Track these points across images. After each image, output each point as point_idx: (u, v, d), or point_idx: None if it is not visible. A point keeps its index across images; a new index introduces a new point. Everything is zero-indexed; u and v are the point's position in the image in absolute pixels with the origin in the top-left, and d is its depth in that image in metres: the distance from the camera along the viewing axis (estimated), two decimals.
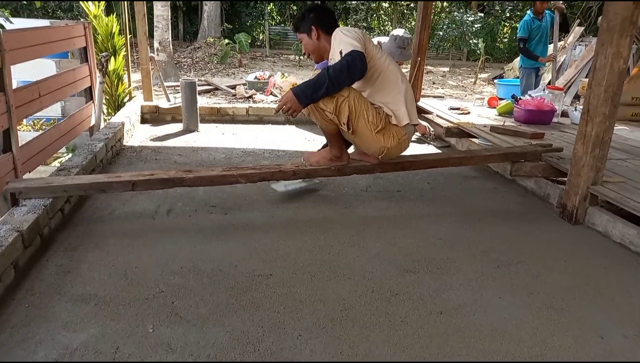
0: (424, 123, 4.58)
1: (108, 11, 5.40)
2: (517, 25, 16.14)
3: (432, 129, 4.55)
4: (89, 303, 1.79)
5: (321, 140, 4.38)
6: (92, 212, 2.59)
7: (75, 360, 1.50)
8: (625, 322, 1.85)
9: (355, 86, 2.50)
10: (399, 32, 4.48)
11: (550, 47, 5.57)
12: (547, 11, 5.18)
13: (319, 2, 14.25)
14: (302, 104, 2.33)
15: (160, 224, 2.51)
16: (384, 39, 4.53)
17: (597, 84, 2.53)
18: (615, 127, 2.95)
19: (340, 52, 2.32)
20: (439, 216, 2.80)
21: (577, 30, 9.54)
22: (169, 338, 1.62)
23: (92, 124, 4.07)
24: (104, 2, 5.09)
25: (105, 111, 4.98)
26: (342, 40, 2.36)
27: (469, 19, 14.08)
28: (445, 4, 16.38)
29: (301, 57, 13.14)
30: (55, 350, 1.54)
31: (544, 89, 4.55)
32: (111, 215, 2.57)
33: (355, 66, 2.27)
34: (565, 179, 2.82)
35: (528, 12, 5.21)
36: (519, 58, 5.67)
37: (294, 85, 7.55)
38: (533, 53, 5.13)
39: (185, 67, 11.44)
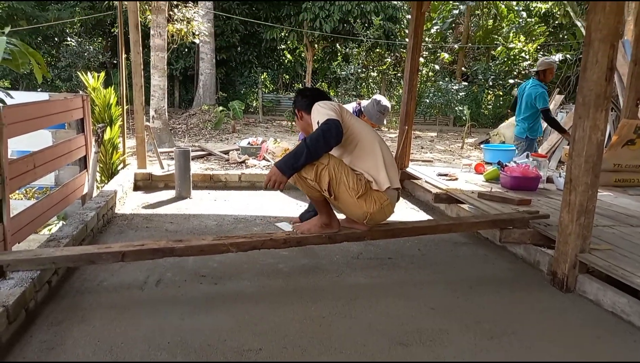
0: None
1: (106, 80, 5.60)
2: (500, 93, 16.80)
3: None
4: None
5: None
6: (80, 283, 2.56)
7: None
8: None
9: (335, 154, 2.61)
10: (381, 98, 4.70)
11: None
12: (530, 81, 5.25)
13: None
14: (285, 175, 2.45)
15: (149, 295, 2.47)
16: (364, 102, 4.74)
17: (578, 155, 2.63)
18: (600, 193, 3.04)
19: (318, 123, 2.48)
20: (431, 284, 2.79)
21: (557, 98, 9.98)
22: None
23: (84, 192, 4.10)
24: (103, 75, 5.29)
25: (98, 178, 5.02)
26: (319, 112, 2.53)
27: (454, 87, 14.70)
28: (431, 73, 17.13)
29: (293, 122, 13.48)
30: None
31: (527, 156, 4.69)
32: (99, 286, 2.54)
33: (331, 133, 2.42)
34: (554, 245, 2.85)
35: (536, 82, 5.11)
36: (514, 127, 5.69)
37: (287, 150, 7.72)
38: (561, 125, 5.19)
39: (180, 133, 11.68)
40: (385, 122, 4.82)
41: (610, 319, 2.42)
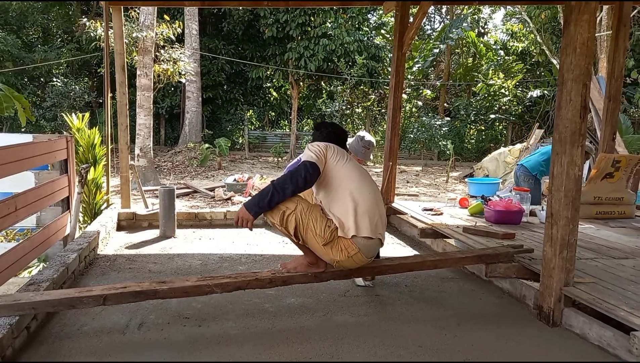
0: None
1: (92, 120, 5.61)
2: (482, 127, 17.15)
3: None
4: None
5: None
6: (59, 328, 2.49)
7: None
8: None
9: (319, 196, 2.62)
10: (364, 133, 4.79)
11: None
12: None
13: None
14: (251, 214, 2.48)
15: (131, 339, 2.41)
16: (349, 139, 4.81)
17: (557, 190, 2.69)
18: (581, 226, 3.08)
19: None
20: (419, 321, 2.77)
21: (537, 132, 10.23)
22: None
23: (66, 233, 4.03)
24: (87, 115, 5.31)
25: (81, 219, 4.96)
26: (305, 154, 2.60)
27: (437, 122, 15.01)
28: (414, 109, 17.51)
29: (279, 158, 13.58)
30: None
31: (510, 191, 4.76)
32: (79, 331, 2.47)
33: (300, 174, 2.46)
34: (539, 278, 2.86)
35: None
36: (496, 161, 5.81)
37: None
38: None
39: (165, 170, 11.66)
40: (371, 157, 4.90)
41: (597, 353, 2.42)
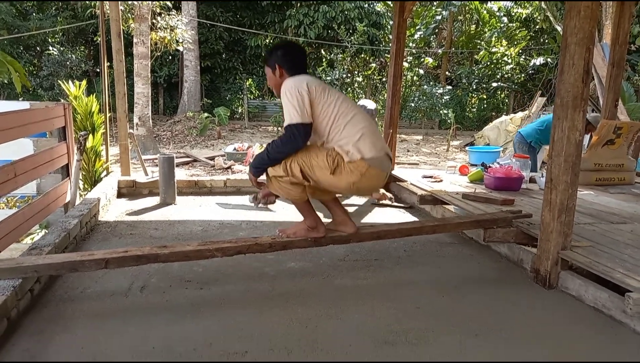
0: (381, 191, 4.73)
1: (89, 88, 5.56)
2: (484, 96, 16.99)
3: (389, 195, 4.71)
4: None
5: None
6: (62, 291, 2.53)
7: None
8: None
9: (313, 137, 2.55)
10: (366, 102, 4.75)
11: None
12: None
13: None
14: (254, 174, 2.54)
15: (133, 302, 2.45)
16: None
17: (557, 155, 2.68)
18: (581, 192, 3.09)
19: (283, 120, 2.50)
20: (417, 284, 2.80)
21: (539, 100, 10.14)
22: None
23: (67, 200, 4.05)
24: (84, 83, 5.25)
25: (81, 186, 4.97)
26: (285, 106, 2.45)
27: (438, 91, 14.85)
28: (415, 78, 17.29)
29: (279, 128, 13.51)
30: None
31: (510, 158, 4.75)
32: (82, 294, 2.51)
33: (293, 142, 2.45)
34: (537, 244, 2.89)
35: None
36: (498, 130, 5.82)
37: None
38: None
39: (165, 140, 11.62)
40: (377, 123, 4.88)
41: (592, 314, 2.46)
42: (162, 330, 2.17)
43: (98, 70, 15.91)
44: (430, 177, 4.91)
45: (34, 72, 15.51)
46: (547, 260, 2.76)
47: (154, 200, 4.62)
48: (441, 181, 4.80)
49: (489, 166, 4.63)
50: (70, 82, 5.26)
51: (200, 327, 2.20)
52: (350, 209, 4.54)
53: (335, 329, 2.23)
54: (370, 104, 4.75)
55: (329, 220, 2.91)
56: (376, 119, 4.82)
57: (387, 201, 4.85)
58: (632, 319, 2.26)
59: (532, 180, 4.66)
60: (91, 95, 5.24)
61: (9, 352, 1.93)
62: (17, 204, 4.61)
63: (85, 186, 5.03)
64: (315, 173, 2.51)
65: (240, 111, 16.67)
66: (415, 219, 4.32)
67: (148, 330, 2.15)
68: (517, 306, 2.55)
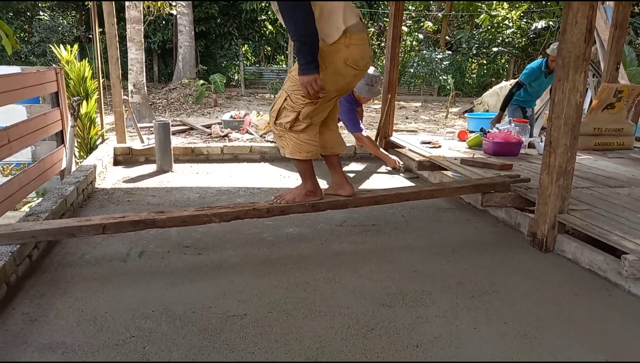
0: (393, 157, 4.69)
1: (82, 55, 5.44)
2: (484, 61, 16.75)
3: (401, 163, 4.66)
4: (56, 352, 1.73)
5: (297, 176, 4.41)
6: (61, 257, 2.53)
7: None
8: (596, 347, 1.87)
9: None
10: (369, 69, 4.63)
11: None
12: None
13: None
14: (314, 72, 2.30)
15: (132, 267, 2.46)
16: None
17: (557, 117, 2.65)
18: (580, 156, 3.08)
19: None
20: (414, 249, 2.82)
21: None
22: None
23: (63, 167, 4.02)
24: (76, 47, 5.13)
25: (77, 154, 4.93)
26: None
27: (438, 56, 14.63)
28: (415, 43, 16.99)
29: (276, 95, 13.35)
30: None
31: (510, 122, 4.71)
32: (81, 259, 2.51)
33: (300, 9, 2.23)
34: (534, 208, 2.89)
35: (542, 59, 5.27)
36: (497, 96, 5.80)
37: (269, 123, 7.64)
38: (506, 104, 5.33)
39: (160, 108, 11.49)
40: (380, 90, 4.76)
41: (587, 276, 2.49)
42: (161, 293, 2.18)
43: (90, 36, 15.58)
44: (429, 143, 4.88)
45: (25, 38, 15.17)
46: (544, 223, 2.76)
47: (151, 167, 4.59)
48: (440, 146, 4.78)
49: (488, 132, 4.59)
50: (61, 47, 5.14)
51: (199, 291, 2.22)
52: (351, 175, 4.53)
53: (333, 292, 2.25)
54: (372, 70, 4.65)
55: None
56: (379, 87, 4.70)
57: (398, 167, 4.79)
58: (627, 281, 2.29)
59: (530, 145, 4.64)
60: (83, 59, 5.13)
61: (10, 316, 1.95)
62: (13, 172, 4.58)
63: (81, 153, 4.99)
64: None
65: (236, 78, 16.43)
66: (412, 184, 4.32)
67: (147, 294, 2.17)
68: (513, 269, 2.57)
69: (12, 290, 2.14)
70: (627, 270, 2.21)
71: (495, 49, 15.86)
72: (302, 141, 2.55)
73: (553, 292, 2.31)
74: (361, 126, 4.60)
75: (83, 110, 4.75)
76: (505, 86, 10.59)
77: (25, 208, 4.07)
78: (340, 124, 4.95)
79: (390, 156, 4.76)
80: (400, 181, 4.47)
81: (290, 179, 4.32)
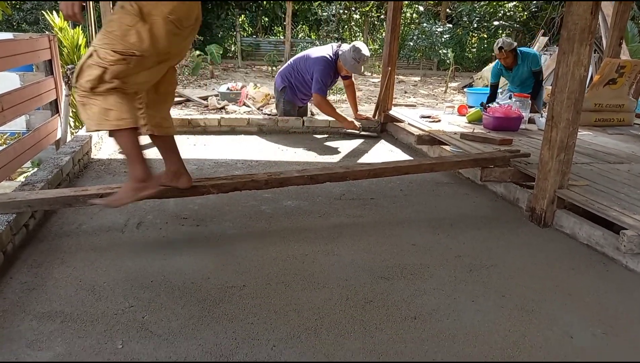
0: (351, 119, 4.80)
1: (75, 22, 5.31)
2: (484, 35, 16.49)
3: (359, 124, 4.81)
4: (55, 321, 1.73)
5: (295, 149, 4.38)
6: (58, 227, 2.51)
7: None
8: (594, 320, 1.89)
9: None
10: (361, 45, 4.57)
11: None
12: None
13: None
14: None
15: (130, 238, 2.45)
16: (345, 46, 4.63)
17: (560, 91, 2.61)
18: (580, 133, 3.05)
19: None
20: (413, 223, 2.82)
21: (541, 40, 9.87)
22: (138, 353, 1.58)
23: (58, 137, 3.96)
24: None
25: (72, 124, 4.86)
26: None
27: (438, 29, 14.40)
28: (415, 15, 16.70)
29: (273, 67, 13.18)
30: None
31: (510, 97, 4.66)
32: (78, 230, 2.50)
33: None
34: (533, 183, 2.88)
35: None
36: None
37: (267, 96, 7.54)
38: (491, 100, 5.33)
39: None
40: (362, 70, 4.74)
41: (585, 251, 2.50)
42: (160, 264, 2.18)
43: (84, 4, 15.20)
44: (429, 117, 4.84)
45: (17, 5, 14.79)
46: (543, 198, 2.76)
47: (147, 139, 4.52)
48: (439, 121, 4.73)
49: (488, 106, 4.54)
50: (54, 14, 5.01)
51: (198, 262, 2.21)
52: (345, 148, 4.50)
53: (332, 264, 2.25)
54: (365, 50, 4.57)
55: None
56: (362, 68, 4.69)
57: (355, 131, 4.87)
58: (625, 256, 2.30)
59: (531, 120, 4.60)
60: (77, 27, 5.00)
61: (8, 285, 1.94)
62: (8, 141, 4.53)
63: (76, 123, 4.92)
64: (131, 37, 1.95)
65: (233, 49, 16.16)
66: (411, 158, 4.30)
67: (145, 264, 2.16)
68: (511, 243, 2.58)
69: (9, 259, 2.13)
70: (625, 246, 2.22)
71: (496, 23, 15.62)
72: (109, 106, 1.99)
73: (551, 266, 2.33)
74: (325, 91, 4.65)
75: None
76: None
77: (21, 178, 4.03)
78: (341, 99, 4.91)
79: (348, 118, 4.81)
80: (399, 156, 4.44)
81: (287, 153, 4.29)
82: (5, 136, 4.63)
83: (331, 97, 9.34)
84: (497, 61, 5.24)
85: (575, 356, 1.67)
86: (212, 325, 1.75)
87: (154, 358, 1.56)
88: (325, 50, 4.75)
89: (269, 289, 2.01)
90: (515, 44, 5.05)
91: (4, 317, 1.73)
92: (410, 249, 2.46)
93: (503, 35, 16.27)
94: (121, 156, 3.94)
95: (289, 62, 5.01)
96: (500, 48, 4.97)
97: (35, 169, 3.97)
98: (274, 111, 5.62)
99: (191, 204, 2.89)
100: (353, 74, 4.96)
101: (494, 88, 5.33)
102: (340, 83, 5.81)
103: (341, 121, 4.74)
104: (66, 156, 3.19)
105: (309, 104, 5.41)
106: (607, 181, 2.94)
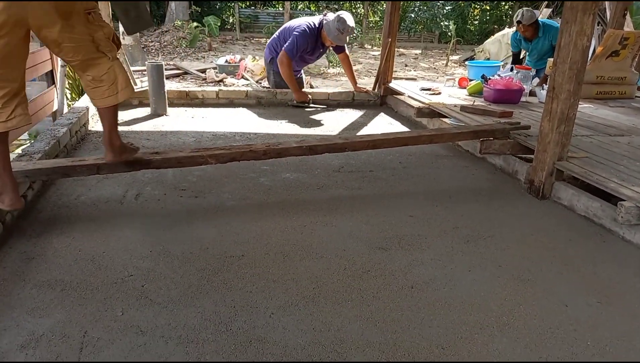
0: (304, 90, 4.86)
1: None
2: (487, 7, 16.23)
3: (310, 96, 4.83)
4: (55, 289, 1.74)
5: (294, 122, 4.35)
6: (56, 198, 2.51)
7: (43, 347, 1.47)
8: (589, 290, 1.91)
9: None
10: (346, 15, 4.49)
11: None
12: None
13: None
14: None
15: (129, 209, 2.45)
16: (330, 15, 4.56)
17: (562, 62, 2.57)
18: (580, 105, 3.03)
19: None
20: (411, 195, 2.82)
21: (545, 11, 9.70)
22: (138, 320, 1.60)
23: (54, 109, 3.92)
24: None
25: (69, 96, 4.81)
26: None
27: (440, 1, 14.13)
28: None
29: None
30: (21, 337, 1.49)
31: (512, 69, 4.61)
32: (77, 201, 2.50)
33: None
34: (532, 156, 2.87)
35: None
36: (499, 43, 5.71)
37: (265, 69, 7.46)
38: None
39: (153, 51, 11.17)
40: (347, 40, 4.68)
41: (582, 223, 2.51)
42: (159, 234, 2.19)
43: None
44: (429, 90, 4.79)
45: None
46: (542, 170, 2.75)
47: (145, 111, 4.50)
48: (440, 93, 4.69)
49: (489, 78, 4.49)
50: None
51: (196, 232, 2.22)
52: (345, 121, 4.46)
53: (330, 235, 2.26)
54: (350, 21, 4.49)
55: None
56: (346, 39, 4.63)
57: (305, 104, 4.85)
58: (622, 227, 2.31)
59: (532, 93, 4.56)
60: None
61: (8, 254, 1.95)
62: None
63: (73, 95, 4.87)
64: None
65: (231, 21, 15.88)
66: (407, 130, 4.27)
67: (144, 235, 2.17)
68: (509, 215, 2.59)
69: (8, 229, 2.13)
70: (622, 217, 2.23)
71: None
72: None
73: (548, 237, 2.34)
74: (294, 54, 4.56)
75: None
76: (508, 33, 10.30)
77: (18, 151, 4.01)
78: (337, 71, 4.85)
79: (300, 89, 4.80)
80: (399, 129, 4.42)
81: (287, 125, 4.26)
82: None
83: (332, 70, 9.24)
84: (515, 32, 5.18)
85: (570, 324, 1.69)
86: (211, 294, 1.77)
87: (154, 325, 1.58)
88: (310, 19, 4.68)
89: (267, 259, 2.03)
90: (538, 16, 4.97)
91: (4, 285, 1.75)
92: (408, 220, 2.46)
93: (506, 6, 15.99)
94: (119, 128, 3.91)
95: (276, 33, 4.93)
96: (519, 22, 4.89)
97: (33, 141, 3.94)
98: None
99: (189, 176, 2.89)
100: (346, 48, 4.91)
101: (516, 56, 5.29)
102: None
103: (293, 88, 4.72)
104: (63, 128, 3.17)
105: (303, 77, 5.34)
106: (607, 153, 2.93)
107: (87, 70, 2.00)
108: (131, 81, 2.13)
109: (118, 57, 2.10)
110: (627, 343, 1.61)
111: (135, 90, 4.70)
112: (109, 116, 2.16)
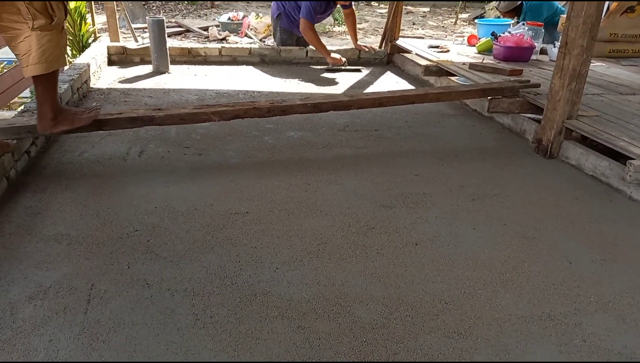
0: (336, 55, 4.56)
1: None
2: None
3: (344, 59, 4.59)
4: (61, 243, 1.76)
5: (297, 81, 4.27)
6: (60, 155, 2.51)
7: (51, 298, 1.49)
8: (593, 248, 1.91)
9: None
10: None
11: None
12: None
13: None
14: None
15: (132, 165, 2.44)
16: None
17: (576, 16, 2.48)
18: (592, 64, 2.94)
19: None
20: (417, 154, 2.79)
21: None
22: (144, 274, 1.61)
23: None
24: None
25: (69, 52, 4.73)
26: None
27: None
28: None
29: None
30: (29, 289, 1.52)
31: (523, 24, 4.46)
32: (80, 157, 2.49)
33: None
34: (541, 116, 2.82)
35: None
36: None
37: (269, 26, 7.28)
38: None
39: (154, 8, 10.91)
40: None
41: (590, 182, 2.48)
42: (163, 191, 2.18)
43: None
44: (437, 47, 4.67)
45: None
46: (551, 129, 2.71)
47: (147, 68, 4.42)
48: (448, 51, 4.57)
49: (499, 36, 4.36)
50: None
51: (201, 189, 2.22)
52: (350, 79, 4.38)
53: (335, 193, 2.25)
54: None
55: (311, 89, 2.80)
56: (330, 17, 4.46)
57: (340, 66, 4.62)
58: (630, 186, 2.28)
59: (543, 51, 4.44)
60: None
61: (13, 209, 1.96)
62: (4, 70, 4.43)
63: (73, 51, 4.79)
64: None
65: None
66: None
67: (149, 191, 2.17)
68: (516, 174, 2.56)
69: (13, 185, 2.14)
70: (631, 176, 2.20)
71: None
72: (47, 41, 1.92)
73: (554, 196, 2.32)
74: (313, 18, 4.39)
75: (72, 4, 4.47)
76: None
77: (21, 109, 3.98)
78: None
79: (332, 53, 4.59)
80: (405, 87, 4.34)
81: (290, 83, 4.19)
82: (2, 65, 4.52)
83: (337, 28, 9.03)
84: None
85: (573, 280, 1.70)
86: (216, 249, 1.78)
87: (160, 279, 1.59)
88: None
89: (272, 216, 2.03)
90: (516, 4, 4.82)
91: (11, 239, 1.76)
92: (414, 179, 2.45)
93: None
94: (120, 86, 3.87)
95: None
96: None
97: (34, 97, 3.91)
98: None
99: (193, 134, 2.86)
100: (353, 3, 4.74)
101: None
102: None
103: (324, 54, 4.53)
104: (64, 84, 3.12)
105: None
106: (618, 112, 2.87)
107: (5, 33, 1.89)
108: (58, 57, 1.99)
109: (52, 29, 1.93)
110: (630, 299, 1.62)
111: (137, 47, 4.62)
112: (35, 86, 2.04)
